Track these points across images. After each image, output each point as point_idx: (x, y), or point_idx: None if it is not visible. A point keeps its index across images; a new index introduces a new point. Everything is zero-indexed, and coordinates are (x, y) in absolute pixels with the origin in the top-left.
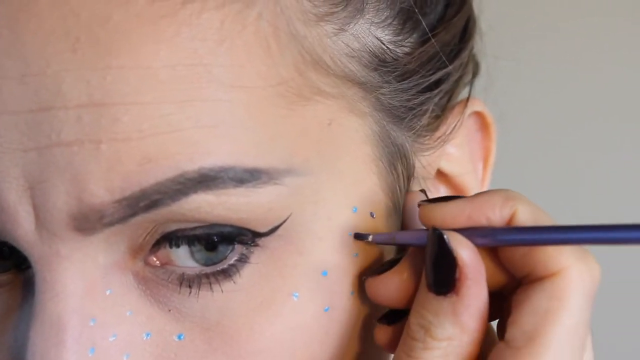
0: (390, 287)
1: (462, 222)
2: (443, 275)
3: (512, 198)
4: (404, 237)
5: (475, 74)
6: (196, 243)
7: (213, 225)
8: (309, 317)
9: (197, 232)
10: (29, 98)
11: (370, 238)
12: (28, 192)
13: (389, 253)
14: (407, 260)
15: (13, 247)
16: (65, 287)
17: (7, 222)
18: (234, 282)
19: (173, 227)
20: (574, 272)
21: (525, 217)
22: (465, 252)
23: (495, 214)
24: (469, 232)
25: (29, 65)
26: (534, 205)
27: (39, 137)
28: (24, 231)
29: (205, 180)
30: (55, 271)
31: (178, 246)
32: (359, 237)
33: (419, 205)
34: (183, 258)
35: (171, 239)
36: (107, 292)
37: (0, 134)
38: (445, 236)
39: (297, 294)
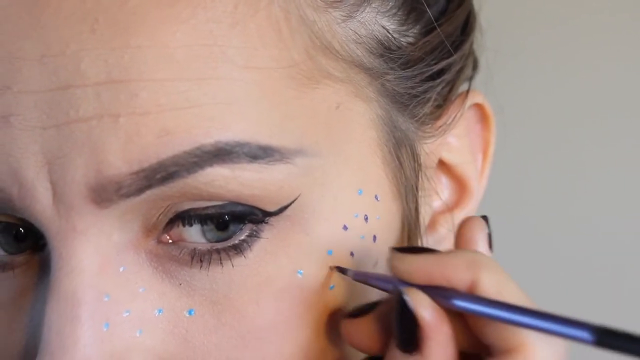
0: (364, 333)
1: (423, 279)
2: (406, 334)
3: (476, 264)
4: (378, 281)
5: (475, 68)
6: (208, 222)
7: (225, 204)
8: (314, 294)
9: (210, 211)
10: (48, 77)
11: (348, 273)
12: (46, 168)
13: (393, 228)
14: (384, 307)
15: (28, 229)
16: (80, 262)
17: (26, 198)
18: (245, 257)
19: (186, 206)
20: (534, 351)
21: (488, 286)
22: (426, 312)
23: (457, 277)
24: (433, 290)
25: (48, 46)
26: (501, 274)
27: (58, 114)
28: (42, 207)
29: (221, 154)
30: (71, 246)
31: (191, 225)
32: (340, 270)
33: (389, 250)
34: (195, 236)
35: (184, 217)
36: (121, 269)
37: (19, 112)
38: (404, 296)
39: (301, 271)
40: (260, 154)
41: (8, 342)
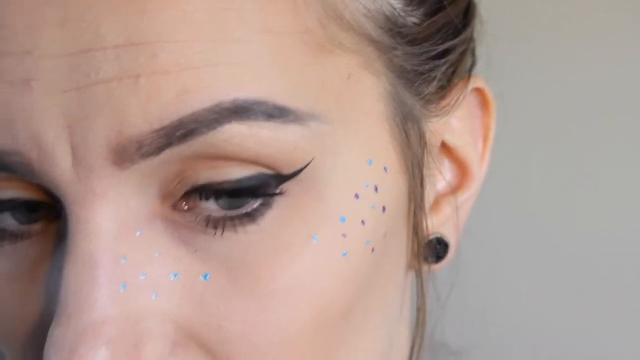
0: None
1: None
2: None
3: None
4: None
5: (474, 55)
6: (223, 196)
7: (241, 179)
8: (329, 260)
9: (226, 186)
10: (69, 42)
11: None
12: (66, 131)
13: (400, 202)
14: None
15: (41, 200)
16: (98, 225)
17: (45, 161)
18: (258, 225)
19: (203, 180)
20: None
21: None
22: None
23: None
24: None
25: (68, 11)
26: None
27: (78, 77)
28: (61, 170)
29: (239, 111)
30: (90, 210)
31: (207, 199)
32: None
33: None
34: (208, 203)
35: (200, 191)
36: (137, 234)
37: (39, 77)
38: None
39: (316, 237)
40: (276, 113)
41: (22, 313)
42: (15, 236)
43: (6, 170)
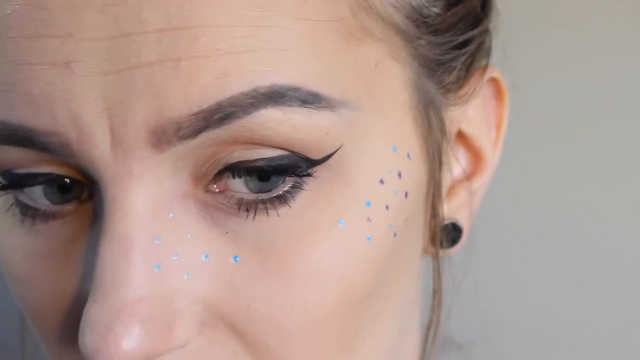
0: None
1: None
2: None
3: None
4: None
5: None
6: (254, 174)
7: (273, 158)
8: (354, 244)
9: (258, 163)
10: (110, 26)
11: None
12: (106, 113)
13: (420, 187)
14: None
15: (74, 180)
16: (134, 206)
17: (85, 142)
18: (289, 207)
19: (236, 158)
20: None
21: None
22: None
23: None
24: None
25: None
26: None
27: (119, 61)
28: (100, 151)
29: (275, 96)
30: (126, 191)
31: (240, 177)
32: None
33: None
34: (238, 186)
35: (233, 170)
36: (171, 215)
37: (80, 59)
38: None
39: (343, 221)
40: (310, 99)
41: (56, 292)
42: (47, 216)
43: (44, 151)
